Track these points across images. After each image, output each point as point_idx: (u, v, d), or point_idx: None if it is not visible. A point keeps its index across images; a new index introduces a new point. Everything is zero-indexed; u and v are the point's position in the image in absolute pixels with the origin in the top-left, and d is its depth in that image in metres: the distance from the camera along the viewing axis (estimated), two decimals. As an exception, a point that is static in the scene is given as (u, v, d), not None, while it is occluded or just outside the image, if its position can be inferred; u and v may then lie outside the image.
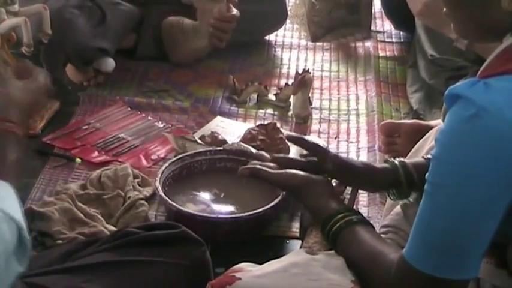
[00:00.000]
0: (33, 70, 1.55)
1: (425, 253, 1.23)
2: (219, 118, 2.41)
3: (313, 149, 1.63)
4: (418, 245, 1.24)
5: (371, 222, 1.50)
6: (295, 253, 1.46)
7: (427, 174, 1.24)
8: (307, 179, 1.54)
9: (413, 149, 1.79)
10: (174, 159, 2.07)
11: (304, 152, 1.65)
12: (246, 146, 2.10)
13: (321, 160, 1.58)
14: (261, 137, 2.15)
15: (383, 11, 3.06)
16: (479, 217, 1.19)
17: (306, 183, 1.53)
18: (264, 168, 1.60)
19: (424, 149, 1.72)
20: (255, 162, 1.65)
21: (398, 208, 1.63)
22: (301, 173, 1.55)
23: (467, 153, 1.18)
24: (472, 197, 1.18)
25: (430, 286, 1.23)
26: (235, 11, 2.63)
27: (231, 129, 2.33)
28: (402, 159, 1.57)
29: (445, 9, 1.32)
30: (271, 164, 1.63)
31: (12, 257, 1.27)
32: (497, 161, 1.16)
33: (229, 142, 2.18)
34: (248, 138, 2.16)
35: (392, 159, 1.57)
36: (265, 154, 1.72)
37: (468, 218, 1.19)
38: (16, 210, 1.27)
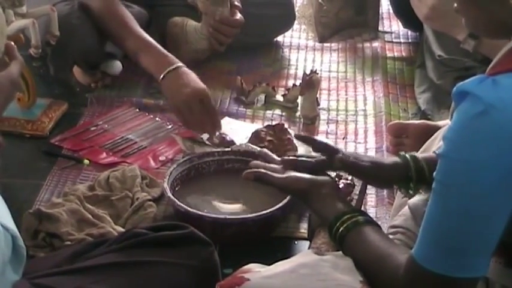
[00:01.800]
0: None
1: (434, 252, 1.23)
2: (227, 119, 2.41)
3: (322, 147, 1.63)
4: (426, 244, 1.24)
5: (379, 222, 1.49)
6: (304, 254, 1.46)
7: (434, 173, 1.24)
8: (312, 181, 1.53)
9: (421, 150, 1.78)
10: (182, 160, 2.07)
11: (313, 152, 1.65)
12: (253, 146, 2.10)
13: (329, 159, 1.59)
14: (268, 138, 2.16)
15: (391, 10, 3.05)
16: (488, 215, 1.19)
17: (312, 186, 1.52)
18: (269, 172, 1.59)
19: (431, 150, 1.71)
20: (259, 164, 1.65)
21: (406, 209, 1.63)
22: (306, 176, 1.55)
23: (475, 151, 1.17)
24: (481, 195, 1.18)
25: (439, 285, 1.23)
26: (239, 16, 2.63)
27: (238, 130, 2.33)
28: (414, 153, 1.57)
29: (455, 4, 1.32)
30: (277, 167, 1.62)
31: (8, 266, 1.27)
32: (506, 158, 1.16)
33: (237, 143, 2.18)
34: (256, 139, 2.16)
35: (404, 153, 1.57)
36: (270, 153, 1.73)
37: (477, 216, 1.19)
38: (8, 219, 1.27)
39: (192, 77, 2.23)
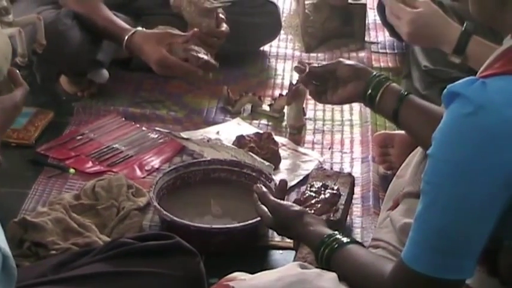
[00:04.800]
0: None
1: (421, 252, 1.23)
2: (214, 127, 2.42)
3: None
4: (414, 244, 1.24)
5: (365, 232, 1.50)
6: (289, 266, 1.47)
7: (423, 174, 1.24)
8: (301, 210, 1.61)
9: (406, 160, 1.79)
10: (168, 169, 2.07)
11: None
12: (233, 147, 2.14)
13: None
14: (251, 145, 2.19)
15: (378, 20, 3.06)
16: (477, 216, 1.19)
17: (300, 213, 1.59)
18: (269, 195, 1.67)
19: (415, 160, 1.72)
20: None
21: (388, 221, 1.64)
22: (295, 205, 1.64)
23: (464, 151, 1.18)
24: (469, 195, 1.18)
25: (425, 286, 1.23)
26: (224, 27, 2.64)
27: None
28: (388, 78, 1.68)
29: None
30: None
31: None
32: (494, 159, 1.16)
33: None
34: (238, 142, 2.23)
35: (380, 75, 1.67)
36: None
37: (465, 217, 1.19)
38: (1, 238, 1.27)
39: (146, 49, 2.45)
